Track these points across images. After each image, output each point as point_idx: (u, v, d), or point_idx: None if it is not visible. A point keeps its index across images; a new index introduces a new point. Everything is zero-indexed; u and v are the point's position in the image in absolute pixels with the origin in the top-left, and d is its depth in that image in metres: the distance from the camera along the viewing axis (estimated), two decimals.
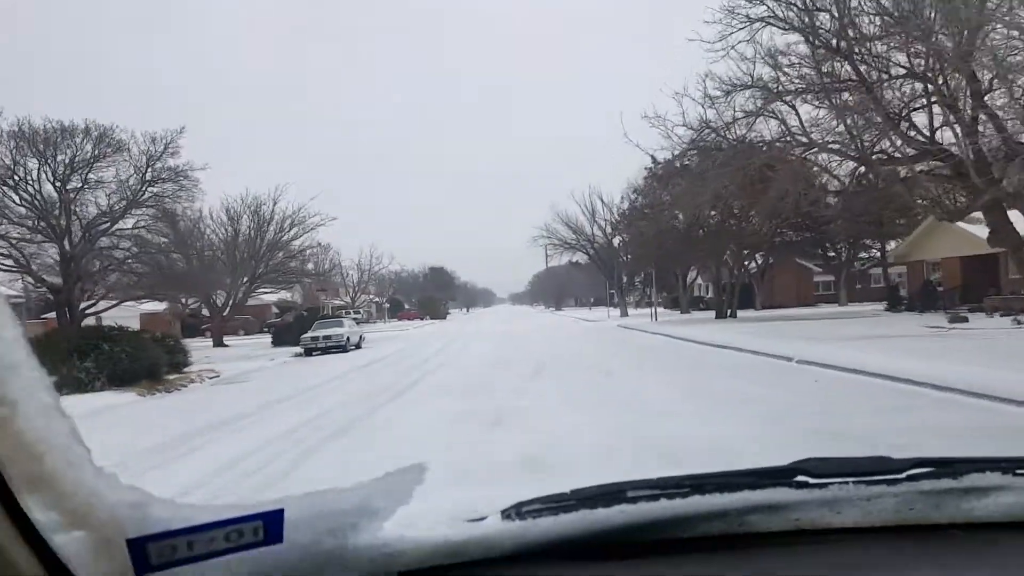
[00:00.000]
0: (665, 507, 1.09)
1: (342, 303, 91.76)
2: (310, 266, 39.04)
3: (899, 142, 21.13)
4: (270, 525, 0.87)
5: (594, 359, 18.02)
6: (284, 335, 31.57)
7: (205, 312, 62.98)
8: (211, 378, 18.69)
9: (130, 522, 0.82)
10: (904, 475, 1.14)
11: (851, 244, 48.24)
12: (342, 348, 27.12)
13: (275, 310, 60.47)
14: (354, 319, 74.38)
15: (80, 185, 24.92)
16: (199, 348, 35.29)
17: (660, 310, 68.69)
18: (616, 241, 54.43)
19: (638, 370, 15.30)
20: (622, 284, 55.52)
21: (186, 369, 19.22)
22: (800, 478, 1.14)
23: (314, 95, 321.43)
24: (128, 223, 26.60)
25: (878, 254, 53.40)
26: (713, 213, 35.85)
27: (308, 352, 26.91)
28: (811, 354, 15.28)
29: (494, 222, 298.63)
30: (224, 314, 36.58)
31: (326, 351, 26.93)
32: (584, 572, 1.07)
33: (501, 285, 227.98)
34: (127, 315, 55.33)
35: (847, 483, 1.13)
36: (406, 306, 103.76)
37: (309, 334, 27.61)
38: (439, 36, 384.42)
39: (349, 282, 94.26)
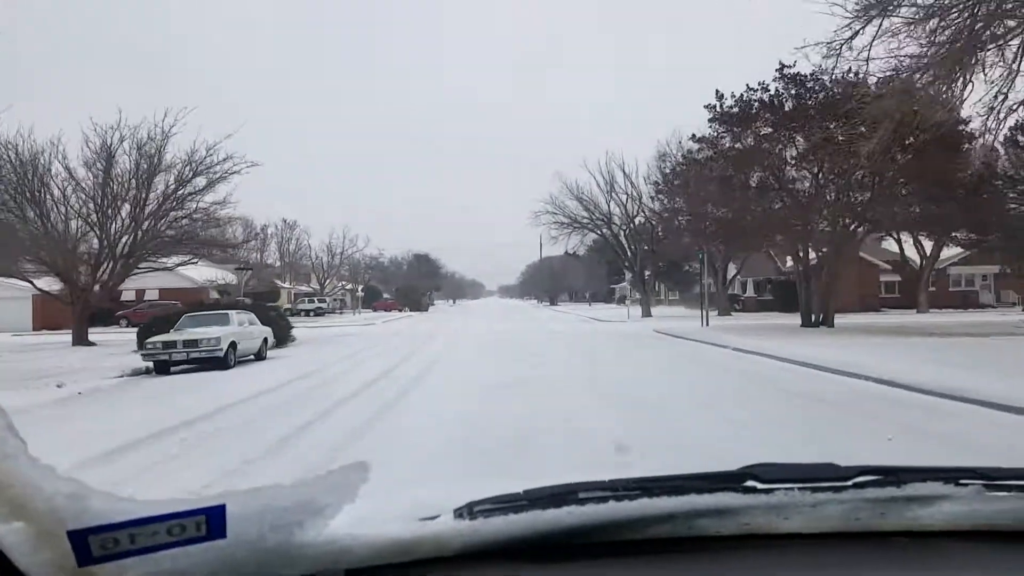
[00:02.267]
0: (614, 509, 1.07)
1: (310, 290, 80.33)
2: (210, 231, 27.25)
3: None
4: (212, 520, 0.86)
5: (758, 437, 6.86)
6: (153, 334, 20.13)
7: (127, 296, 50.91)
8: None
9: (69, 513, 0.81)
10: (850, 483, 1.13)
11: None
12: (220, 362, 15.74)
13: (215, 295, 48.44)
14: (311, 309, 63.05)
15: None
16: (47, 348, 24.11)
17: (683, 310, 57.57)
18: (638, 220, 43.30)
19: None
20: (644, 276, 44.47)
21: None
22: (749, 483, 1.13)
23: (293, 69, 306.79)
24: None
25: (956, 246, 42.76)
26: (806, 175, 24.69)
27: (160, 368, 15.57)
28: None
29: (486, 213, 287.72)
30: (88, 298, 25.00)
31: (198, 365, 15.68)
32: (533, 572, 1.05)
33: (490, 277, 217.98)
34: (13, 295, 43.47)
35: (793, 489, 1.12)
36: (385, 295, 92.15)
37: (161, 337, 16.20)
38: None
39: (318, 266, 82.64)
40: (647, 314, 42.81)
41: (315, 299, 68.77)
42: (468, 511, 1.07)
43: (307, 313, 65.27)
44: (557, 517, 1.05)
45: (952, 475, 1.16)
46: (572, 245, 45.89)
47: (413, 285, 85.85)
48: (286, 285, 73.93)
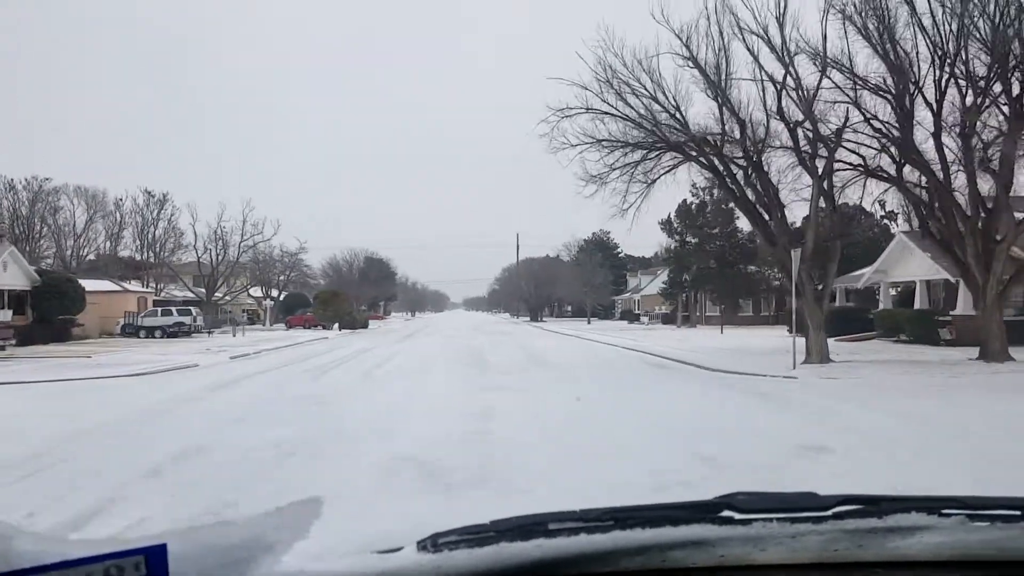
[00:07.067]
0: (585, 542, 1.03)
1: (194, 296, 54.25)
2: None
3: None
4: (152, 560, 0.80)
5: None
6: None
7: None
8: None
9: None
10: (830, 513, 1.10)
11: None
12: None
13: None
14: (161, 326, 36.61)
15: None
16: None
17: (786, 336, 33.03)
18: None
19: None
20: (824, 276, 19.68)
21: None
22: (726, 513, 1.09)
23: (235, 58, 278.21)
24: None
25: None
26: None
27: None
28: None
29: (453, 220, 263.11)
30: None
31: None
32: None
33: (456, 288, 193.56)
34: None
35: (772, 520, 1.08)
36: (311, 304, 65.96)
37: None
38: None
39: (204, 261, 56.45)
40: (822, 354, 18.01)
41: (174, 310, 42.91)
42: (432, 543, 1.01)
43: (153, 333, 39.71)
44: (524, 550, 1.00)
45: (935, 505, 1.12)
46: (632, 199, 20.54)
47: (338, 292, 59.33)
48: (136, 288, 47.75)
